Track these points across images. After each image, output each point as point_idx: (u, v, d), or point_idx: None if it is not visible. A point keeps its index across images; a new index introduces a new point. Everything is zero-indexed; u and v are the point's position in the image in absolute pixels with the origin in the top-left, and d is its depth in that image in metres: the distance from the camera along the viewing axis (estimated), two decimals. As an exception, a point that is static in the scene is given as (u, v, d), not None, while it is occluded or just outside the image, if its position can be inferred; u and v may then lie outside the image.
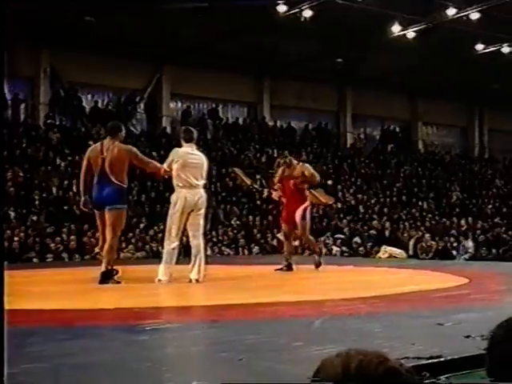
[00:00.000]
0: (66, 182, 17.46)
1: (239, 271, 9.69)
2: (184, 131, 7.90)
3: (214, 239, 17.09)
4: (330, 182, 22.80)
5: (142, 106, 23.38)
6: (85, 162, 7.63)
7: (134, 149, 7.60)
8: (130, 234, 15.97)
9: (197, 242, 7.67)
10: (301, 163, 9.50)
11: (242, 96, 25.14)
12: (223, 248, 16.94)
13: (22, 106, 21.17)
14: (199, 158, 7.73)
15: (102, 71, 21.39)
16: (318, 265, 9.33)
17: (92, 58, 21.06)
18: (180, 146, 7.77)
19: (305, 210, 8.86)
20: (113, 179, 7.31)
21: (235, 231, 17.90)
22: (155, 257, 14.24)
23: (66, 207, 16.51)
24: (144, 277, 8.20)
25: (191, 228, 7.66)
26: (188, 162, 7.59)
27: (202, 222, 7.71)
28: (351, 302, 5.90)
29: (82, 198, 7.68)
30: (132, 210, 17.35)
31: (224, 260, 14.22)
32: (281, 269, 9.07)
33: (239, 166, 21.76)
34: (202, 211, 7.69)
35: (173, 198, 7.63)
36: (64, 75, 21.44)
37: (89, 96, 22.40)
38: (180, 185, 7.55)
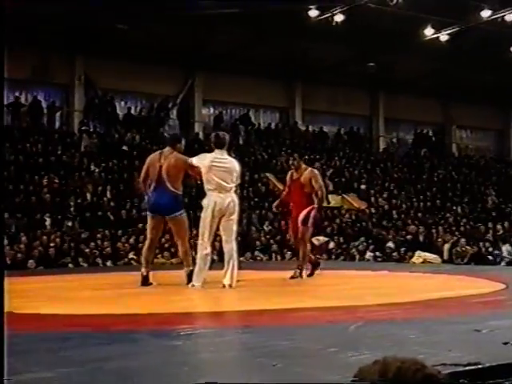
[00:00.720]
0: (100, 188, 17.66)
1: (272, 276, 9.67)
2: (215, 137, 7.84)
3: (247, 244, 17.11)
4: (363, 187, 22.71)
5: (174, 112, 23.54)
6: (144, 169, 7.97)
7: (190, 159, 7.80)
8: (164, 240, 16.05)
9: (229, 247, 7.66)
10: (309, 168, 8.92)
11: (273, 101, 25.17)
12: (256, 253, 16.92)
13: (58, 113, 21.48)
14: (228, 162, 7.68)
15: (135, 78, 21.61)
16: (293, 276, 8.64)
17: (125, 65, 21.30)
18: (212, 151, 7.78)
19: (308, 213, 8.59)
20: (169, 186, 7.66)
21: (268, 236, 17.88)
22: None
23: (100, 213, 16.68)
24: (178, 282, 8.22)
25: (224, 233, 7.65)
26: (215, 166, 7.58)
27: (234, 227, 7.67)
28: (386, 307, 5.84)
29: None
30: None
31: (257, 265, 14.21)
32: (294, 276, 8.86)
33: (271, 172, 21.85)
34: (234, 216, 7.65)
35: (204, 202, 7.64)
36: (98, 82, 21.72)
37: (122, 103, 22.65)
38: (210, 188, 7.58)
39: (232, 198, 7.63)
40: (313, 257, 9.27)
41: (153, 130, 22.21)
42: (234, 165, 7.72)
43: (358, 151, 25.52)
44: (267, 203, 19.55)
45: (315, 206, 8.59)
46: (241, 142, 24.15)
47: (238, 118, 24.62)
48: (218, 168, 7.60)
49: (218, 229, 7.66)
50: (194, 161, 7.71)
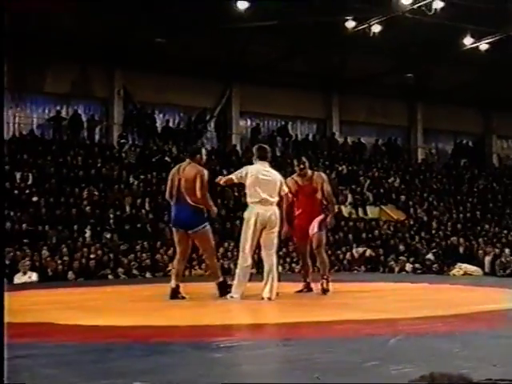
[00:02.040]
0: (138, 201, 17.81)
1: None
2: (258, 149, 7.81)
3: (286, 256, 17.05)
4: (401, 198, 22.51)
5: (212, 124, 23.70)
6: (168, 184, 7.89)
7: (203, 173, 7.59)
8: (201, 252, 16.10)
9: (270, 259, 7.63)
10: (316, 172, 8.54)
11: (311, 112, 25.15)
12: (293, 265, 16.84)
13: (98, 126, 21.76)
14: (272, 175, 7.67)
15: (173, 91, 21.83)
16: (324, 290, 8.16)
17: (163, 78, 21.51)
18: (251, 163, 7.78)
19: (321, 221, 8.34)
20: (188, 200, 7.54)
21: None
22: (226, 274, 14.27)
23: (139, 225, 16.82)
24: (216, 294, 8.23)
25: (264, 246, 7.61)
26: (260, 178, 7.57)
27: (275, 240, 7.64)
28: (427, 320, 5.75)
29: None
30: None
31: (295, 277, 14.14)
32: (301, 291, 8.62)
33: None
34: (276, 229, 7.61)
35: (245, 214, 7.62)
36: (136, 96, 21.97)
37: (160, 115, 22.87)
38: (253, 201, 7.54)
39: (274, 211, 7.60)
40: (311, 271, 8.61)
41: (190, 142, 22.36)
42: (277, 177, 7.71)
43: (397, 162, 25.33)
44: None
45: (328, 213, 8.35)
46: (278, 153, 24.15)
47: (275, 130, 24.66)
48: (262, 181, 7.59)
49: (258, 241, 7.65)
50: (238, 173, 7.66)
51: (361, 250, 17.80)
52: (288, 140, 24.55)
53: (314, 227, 8.16)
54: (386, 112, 25.52)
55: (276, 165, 22.58)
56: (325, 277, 8.24)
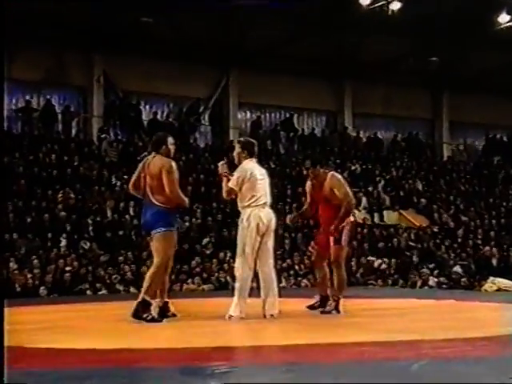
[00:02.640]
0: (121, 205, 17.80)
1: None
2: (247, 144, 7.89)
3: (290, 269, 17.06)
4: (423, 202, 22.52)
5: (206, 116, 23.74)
6: (135, 175, 7.69)
7: (170, 165, 7.38)
8: (194, 263, 16.11)
9: (270, 270, 7.67)
10: (329, 173, 8.44)
11: (319, 103, 25.20)
12: (299, 278, 16.88)
13: (74, 119, 21.75)
14: (264, 174, 7.86)
15: (161, 78, 21.85)
16: (325, 311, 8.16)
17: (150, 63, 21.54)
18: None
19: (341, 230, 8.29)
20: (152, 199, 7.40)
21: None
22: (224, 288, 14.33)
23: (121, 232, 16.81)
24: (212, 312, 8.22)
25: (262, 254, 7.65)
26: (259, 179, 7.67)
27: (272, 247, 7.75)
28: (454, 343, 5.75)
29: None
30: (195, 234, 17.61)
31: (302, 293, 14.13)
32: (313, 306, 8.59)
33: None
34: (272, 235, 7.73)
35: (243, 217, 7.62)
36: (119, 84, 21.98)
37: (147, 107, 22.89)
38: (252, 204, 7.58)
39: (272, 214, 7.73)
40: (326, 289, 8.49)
41: (182, 137, 22.35)
42: (266, 176, 7.87)
43: (418, 160, 25.35)
44: (313, 220, 19.51)
45: (350, 219, 8.30)
46: (282, 150, 24.18)
47: (278, 124, 24.69)
48: (261, 181, 7.68)
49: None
50: (238, 178, 7.64)
51: (376, 260, 17.79)
52: (293, 135, 24.58)
53: (331, 238, 8.18)
54: (406, 103, 25.53)
55: (280, 164, 22.84)
56: (335, 298, 8.24)
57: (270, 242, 7.73)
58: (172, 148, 7.63)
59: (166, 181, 7.33)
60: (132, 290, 14.72)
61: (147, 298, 7.25)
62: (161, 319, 7.30)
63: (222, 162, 7.89)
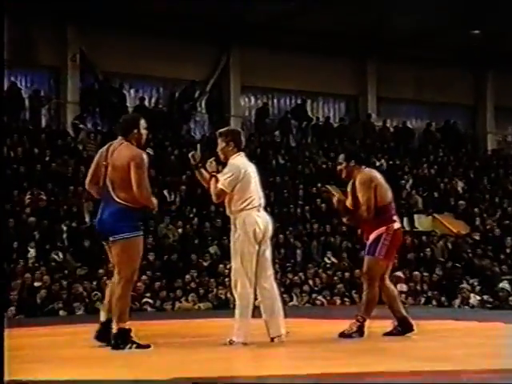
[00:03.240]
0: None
1: (338, 328, 9.60)
2: (234, 134, 7.80)
3: (303, 284, 17.07)
4: (462, 204, 22.47)
5: (202, 103, 23.74)
6: (92, 168, 7.43)
7: (141, 157, 7.15)
8: (188, 277, 16.12)
9: (270, 285, 7.64)
10: (362, 171, 8.34)
11: (338, 87, 25.19)
12: (314, 295, 16.90)
13: (45, 105, 21.74)
14: (256, 171, 7.83)
15: (149, 57, 21.82)
16: (344, 334, 8.15)
17: (135, 39, 21.55)
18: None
19: (377, 238, 8.20)
20: (114, 196, 7.14)
21: (330, 272, 17.84)
22: (224, 307, 14.32)
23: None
24: (210, 335, 8.20)
25: (261, 267, 7.62)
26: (252, 177, 7.66)
27: (270, 257, 7.74)
28: (502, 374, 5.70)
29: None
30: (190, 244, 17.61)
31: (316, 312, 14.10)
32: (391, 332, 8.50)
33: (336, 184, 21.75)
34: (269, 242, 7.74)
35: (237, 224, 7.59)
36: (99, 64, 21.95)
37: (132, 91, 22.93)
38: (246, 208, 7.55)
39: (268, 218, 7.74)
40: (401, 309, 8.40)
41: (174, 127, 22.38)
42: (257, 171, 7.88)
43: (457, 154, 25.34)
44: (330, 226, 19.51)
45: (393, 226, 8.20)
46: (293, 143, 24.17)
47: (289, 111, 24.70)
48: (254, 179, 7.65)
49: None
50: (231, 179, 7.57)
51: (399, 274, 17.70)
52: (306, 125, 24.61)
53: (366, 248, 8.16)
54: (441, 85, 25.52)
55: (290, 159, 22.80)
56: (360, 318, 8.20)
57: (268, 252, 7.71)
58: (144, 134, 7.37)
59: (135, 176, 7.04)
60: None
61: (123, 326, 7.12)
62: (148, 345, 7.26)
63: (210, 160, 7.80)
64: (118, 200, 7.10)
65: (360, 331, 8.16)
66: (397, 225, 8.26)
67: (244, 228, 7.55)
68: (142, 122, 7.39)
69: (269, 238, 7.71)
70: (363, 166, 8.37)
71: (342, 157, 8.43)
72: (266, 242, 7.66)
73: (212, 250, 17.53)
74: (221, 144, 7.74)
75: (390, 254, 8.20)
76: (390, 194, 8.34)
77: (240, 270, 7.56)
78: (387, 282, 8.34)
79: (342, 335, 8.17)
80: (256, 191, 7.66)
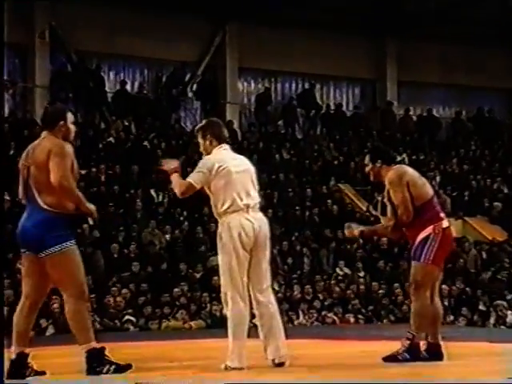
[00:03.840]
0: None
1: (352, 350, 9.57)
2: (213, 126, 7.77)
3: (311, 299, 17.04)
4: (498, 206, 22.41)
5: (194, 87, 23.71)
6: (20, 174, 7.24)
7: (61, 146, 7.03)
8: (178, 291, 16.08)
9: (267, 300, 7.56)
10: (390, 169, 8.30)
11: (352, 69, 25.16)
12: (324, 312, 16.87)
13: (9, 90, 21.69)
14: (245, 163, 7.74)
15: (132, 34, 21.77)
16: (391, 357, 8.03)
17: (115, 13, 21.52)
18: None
19: (424, 240, 8.13)
20: (39, 201, 7.03)
21: (342, 285, 17.87)
22: (218, 326, 14.27)
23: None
24: (203, 358, 8.19)
25: (255, 279, 7.57)
26: (234, 173, 7.53)
27: (267, 267, 7.66)
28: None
29: None
30: (179, 252, 17.57)
31: (327, 332, 14.08)
32: (395, 357, 8.41)
33: (350, 183, 21.70)
34: (268, 248, 7.63)
35: (221, 231, 7.55)
36: (71, 41, 21.87)
37: (111, 73, 22.92)
38: (229, 210, 7.47)
39: (263, 219, 7.63)
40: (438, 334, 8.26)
41: (161, 116, 22.33)
42: (250, 164, 7.80)
43: (492, 147, 25.30)
44: (342, 231, 19.42)
45: (441, 226, 8.08)
46: (299, 134, 24.12)
47: (294, 97, 24.68)
48: (237, 175, 7.54)
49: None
50: (202, 175, 7.51)
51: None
52: (315, 113, 24.61)
53: (412, 252, 8.11)
54: (473, 66, 25.52)
55: (296, 153, 22.74)
56: (409, 335, 8.09)
57: (265, 261, 7.62)
58: (72, 128, 7.27)
59: (52, 164, 6.92)
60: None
61: (94, 346, 7.05)
62: (129, 364, 7.21)
63: (172, 162, 7.80)
64: (44, 206, 6.95)
65: (410, 351, 8.00)
66: (445, 223, 8.18)
67: (228, 234, 7.47)
68: (70, 116, 7.29)
69: (265, 245, 7.63)
70: (392, 165, 8.28)
71: (367, 158, 8.39)
72: (260, 249, 7.57)
73: (205, 258, 17.49)
74: (200, 142, 7.75)
75: (439, 259, 8.12)
76: (429, 189, 8.29)
77: (229, 284, 7.48)
78: (436, 297, 8.29)
79: (388, 359, 8.09)
80: (242, 189, 7.53)
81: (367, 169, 8.36)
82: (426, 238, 7.98)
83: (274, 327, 7.58)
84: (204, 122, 8.11)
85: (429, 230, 7.98)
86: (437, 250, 8.02)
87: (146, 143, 20.78)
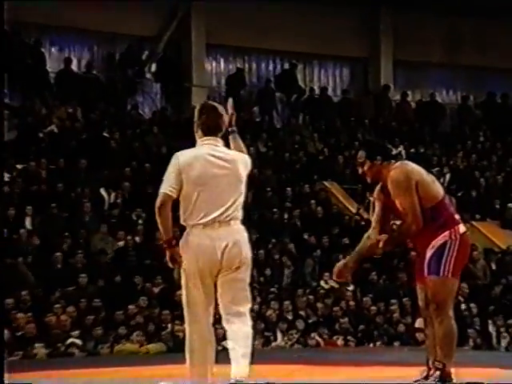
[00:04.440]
0: (12, 212, 17.70)
1: (342, 377, 9.58)
2: (201, 112, 7.67)
3: (292, 318, 17.00)
4: (511, 208, 22.49)
5: (153, 67, 23.70)
6: None
7: None
8: (133, 308, 16.03)
9: (237, 327, 7.52)
10: (394, 168, 8.19)
11: (340, 47, 25.26)
12: (307, 333, 16.84)
13: None
14: (230, 163, 7.53)
15: (79, 3, 21.67)
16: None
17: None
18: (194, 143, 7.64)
19: (440, 248, 8.08)
20: None
21: (329, 301, 17.87)
22: (181, 349, 14.22)
23: (19, 258, 16.61)
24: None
25: (228, 300, 7.51)
26: (206, 175, 7.39)
27: (247, 288, 7.60)
28: None
29: None
30: (135, 263, 17.52)
31: (310, 356, 14.08)
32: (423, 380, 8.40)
33: (337, 180, 21.71)
34: (245, 269, 7.49)
35: (181, 246, 7.48)
36: (7, 10, 21.75)
37: (54, 50, 22.84)
38: (190, 222, 7.36)
39: (236, 235, 7.49)
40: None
41: (114, 101, 22.25)
42: (238, 166, 7.56)
43: (505, 139, 25.39)
44: (329, 238, 19.42)
45: (458, 230, 7.98)
46: (278, 123, 24.10)
47: (271, 80, 24.70)
48: (213, 179, 7.39)
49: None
50: (171, 178, 7.40)
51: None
52: (296, 98, 24.68)
53: (426, 262, 8.02)
54: (485, 42, 25.64)
55: (274, 145, 22.71)
56: (438, 365, 8.08)
57: (241, 282, 7.52)
58: None
59: None
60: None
61: None
62: None
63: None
64: None
65: (443, 380, 8.03)
66: (462, 227, 8.14)
67: (185, 253, 7.42)
68: None
69: (242, 265, 7.43)
70: (392, 161, 8.16)
71: (362, 154, 8.19)
72: (233, 270, 7.44)
73: (166, 270, 17.39)
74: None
75: (458, 270, 8.10)
76: (439, 187, 8.22)
77: (186, 305, 7.54)
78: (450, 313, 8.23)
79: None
80: (211, 197, 7.40)
81: (364, 168, 8.19)
82: (442, 247, 7.88)
83: (240, 352, 7.51)
84: (201, 105, 7.90)
85: (444, 236, 7.90)
86: (455, 260, 8.00)
87: (96, 133, 20.62)
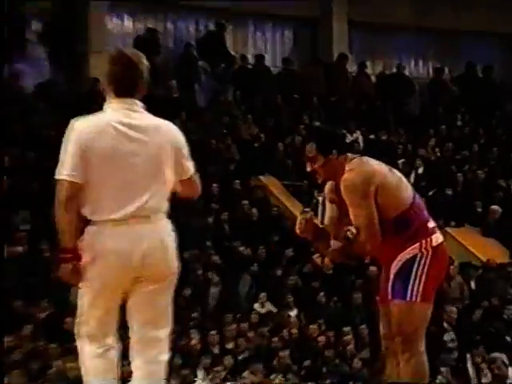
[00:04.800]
0: None
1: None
2: (112, 62, 7.42)
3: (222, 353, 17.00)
4: (495, 209, 22.64)
5: (38, 27, 23.61)
6: None
7: None
8: (11, 340, 15.95)
9: (153, 368, 7.49)
10: (350, 164, 8.20)
11: (280, 3, 25.14)
12: (237, 371, 16.89)
13: None
14: (151, 134, 7.39)
15: None
16: None
17: None
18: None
19: (407, 265, 8.09)
20: None
21: (265, 329, 17.92)
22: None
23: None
24: None
25: (144, 321, 7.46)
26: (117, 153, 7.20)
27: (170, 307, 7.53)
28: None
29: None
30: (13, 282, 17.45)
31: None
32: None
33: (275, 175, 21.72)
34: (171, 280, 7.38)
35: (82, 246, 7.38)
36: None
37: None
38: (95, 217, 7.21)
39: (162, 233, 7.32)
40: None
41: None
42: (162, 139, 7.38)
43: (488, 123, 25.68)
44: (266, 247, 19.42)
45: (431, 243, 7.98)
46: (201, 100, 24.05)
47: (193, 44, 24.72)
48: (122, 156, 7.21)
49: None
50: (67, 155, 7.26)
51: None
52: (225, 68, 24.70)
53: (390, 285, 8.05)
54: (462, 4, 25.75)
55: (198, 130, 22.74)
56: None
57: (164, 296, 7.44)
58: None
59: None
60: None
61: None
62: None
63: None
64: None
65: None
66: (437, 237, 8.16)
67: (88, 254, 7.27)
68: None
69: (164, 274, 7.39)
70: (349, 155, 8.18)
71: (312, 147, 8.15)
72: (154, 280, 7.37)
73: (56, 289, 17.33)
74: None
75: (431, 292, 8.11)
76: (406, 190, 8.19)
77: (78, 326, 7.40)
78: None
79: None
80: (123, 184, 7.25)
81: (315, 165, 8.11)
82: (410, 262, 7.91)
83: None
84: (114, 53, 7.60)
85: (413, 249, 7.90)
86: (427, 279, 8.00)
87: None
